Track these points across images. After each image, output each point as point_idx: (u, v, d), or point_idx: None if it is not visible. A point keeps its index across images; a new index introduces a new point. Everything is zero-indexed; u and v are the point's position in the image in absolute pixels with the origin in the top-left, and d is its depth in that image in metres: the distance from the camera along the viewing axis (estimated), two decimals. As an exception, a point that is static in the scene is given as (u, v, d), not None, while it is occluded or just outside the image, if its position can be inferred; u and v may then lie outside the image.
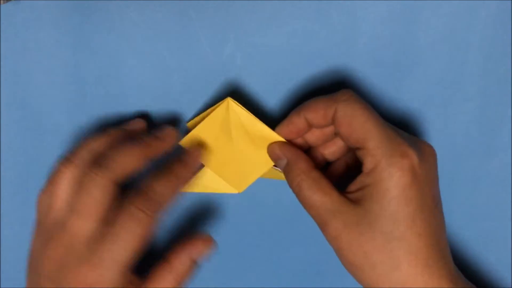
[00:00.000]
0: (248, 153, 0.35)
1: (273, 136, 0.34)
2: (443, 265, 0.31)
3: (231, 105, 0.34)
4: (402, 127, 0.38)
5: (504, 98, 0.38)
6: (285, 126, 0.34)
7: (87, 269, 0.31)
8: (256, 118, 0.34)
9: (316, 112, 0.32)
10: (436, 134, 0.38)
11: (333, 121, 0.32)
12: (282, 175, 0.35)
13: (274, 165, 0.36)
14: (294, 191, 0.33)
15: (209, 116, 0.35)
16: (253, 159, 0.36)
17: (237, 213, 0.40)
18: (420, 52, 0.37)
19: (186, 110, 0.38)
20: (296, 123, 0.34)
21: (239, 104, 0.34)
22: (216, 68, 0.37)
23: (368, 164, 0.30)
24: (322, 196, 0.32)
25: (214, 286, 0.41)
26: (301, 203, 0.33)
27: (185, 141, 0.36)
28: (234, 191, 0.37)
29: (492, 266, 0.41)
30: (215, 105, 0.35)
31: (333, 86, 0.37)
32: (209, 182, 0.37)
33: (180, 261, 0.34)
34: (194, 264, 0.34)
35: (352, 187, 0.32)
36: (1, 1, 0.34)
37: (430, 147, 0.32)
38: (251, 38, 0.36)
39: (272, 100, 0.38)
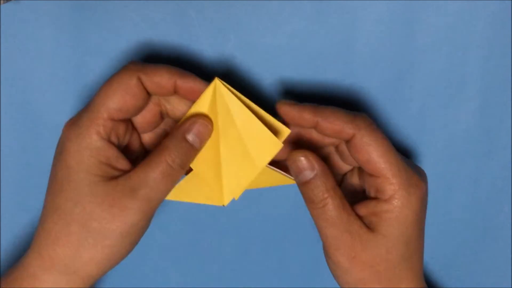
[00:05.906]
0: (235, 152, 0.32)
1: (263, 130, 0.31)
2: (422, 275, 0.34)
3: (219, 87, 0.31)
4: (402, 127, 0.38)
5: (504, 98, 0.38)
6: (292, 111, 0.32)
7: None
8: (245, 107, 0.31)
9: (333, 125, 0.32)
10: (436, 134, 0.38)
11: (347, 143, 0.32)
12: (277, 180, 0.34)
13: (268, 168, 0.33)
14: (316, 206, 0.32)
15: (194, 104, 0.31)
16: (241, 159, 0.32)
17: (237, 213, 0.40)
18: (420, 52, 0.37)
19: (186, 110, 0.38)
20: (305, 118, 0.32)
21: (229, 86, 0.31)
22: (216, 68, 0.37)
23: (388, 191, 0.32)
24: (347, 216, 0.32)
25: (214, 286, 0.41)
26: (320, 220, 0.32)
27: None
28: (218, 203, 0.33)
29: (492, 266, 0.41)
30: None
31: (333, 86, 0.37)
32: (193, 190, 0.33)
33: (170, 138, 0.32)
34: (186, 141, 0.32)
35: (363, 211, 0.32)
36: (1, 1, 0.34)
37: (424, 173, 0.34)
38: (251, 38, 0.36)
39: (272, 100, 0.38)
